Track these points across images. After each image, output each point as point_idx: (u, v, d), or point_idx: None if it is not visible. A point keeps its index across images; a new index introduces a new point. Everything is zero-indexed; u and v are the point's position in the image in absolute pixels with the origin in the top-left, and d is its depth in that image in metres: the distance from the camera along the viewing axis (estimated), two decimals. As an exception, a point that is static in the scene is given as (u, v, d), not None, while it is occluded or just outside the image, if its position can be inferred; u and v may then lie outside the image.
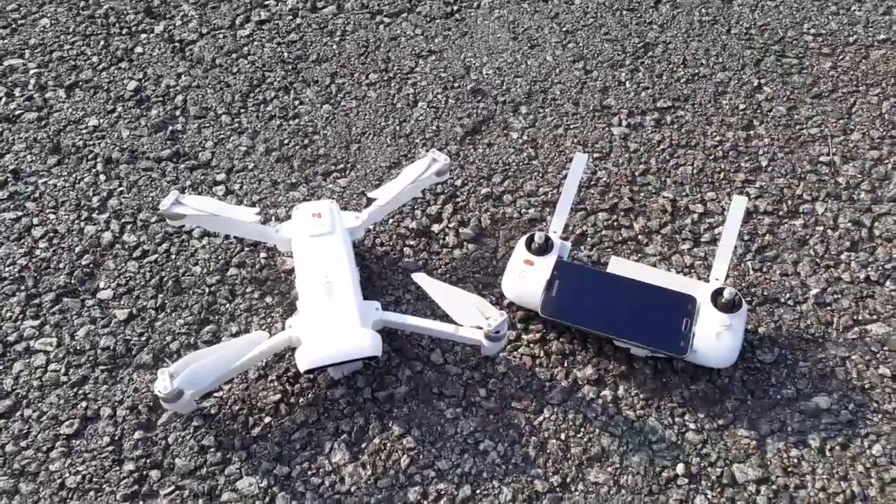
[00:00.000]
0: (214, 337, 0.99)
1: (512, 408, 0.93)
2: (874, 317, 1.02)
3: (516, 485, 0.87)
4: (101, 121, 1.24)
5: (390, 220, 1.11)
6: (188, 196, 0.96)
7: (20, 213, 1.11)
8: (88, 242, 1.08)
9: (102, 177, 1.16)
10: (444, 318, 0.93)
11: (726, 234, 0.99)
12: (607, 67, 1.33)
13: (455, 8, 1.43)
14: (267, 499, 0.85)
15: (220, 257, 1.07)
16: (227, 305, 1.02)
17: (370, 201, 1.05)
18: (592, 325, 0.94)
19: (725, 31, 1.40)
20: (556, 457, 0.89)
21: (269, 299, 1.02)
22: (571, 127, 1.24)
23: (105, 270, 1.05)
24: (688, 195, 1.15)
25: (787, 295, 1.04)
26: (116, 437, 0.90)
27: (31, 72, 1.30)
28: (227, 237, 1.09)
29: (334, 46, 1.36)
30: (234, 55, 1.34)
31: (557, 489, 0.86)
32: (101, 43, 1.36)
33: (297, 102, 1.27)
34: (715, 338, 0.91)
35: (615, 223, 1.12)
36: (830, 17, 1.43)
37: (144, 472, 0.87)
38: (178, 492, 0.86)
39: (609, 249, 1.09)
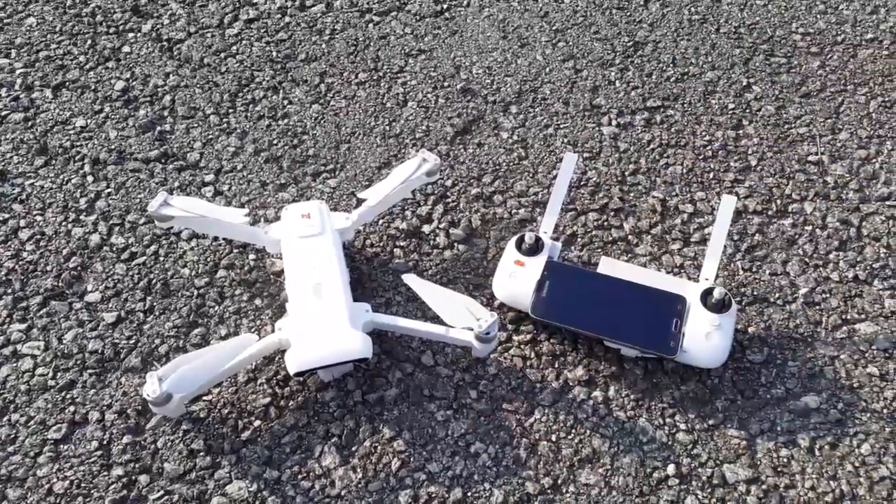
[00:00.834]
0: (203, 340, 0.98)
1: (503, 409, 0.93)
2: (862, 316, 1.02)
3: (507, 487, 0.87)
4: (89, 121, 1.22)
5: (380, 221, 1.11)
6: (176, 197, 0.95)
7: (7, 216, 1.10)
8: (76, 245, 1.07)
9: (90, 178, 1.15)
10: (435, 319, 0.93)
11: (716, 233, 0.99)
12: (597, 67, 1.33)
13: (444, 6, 1.43)
14: (257, 503, 0.85)
15: (208, 259, 1.06)
16: (216, 308, 1.01)
17: (360, 202, 1.04)
18: (583, 325, 0.94)
19: (715, 30, 1.40)
20: (548, 458, 0.89)
21: (258, 301, 1.02)
22: (561, 126, 1.24)
23: (93, 273, 1.04)
24: (677, 195, 1.15)
25: (777, 294, 1.04)
26: (105, 442, 0.89)
27: (18, 72, 1.29)
28: (215, 239, 1.08)
29: (323, 45, 1.36)
30: (222, 54, 1.33)
31: (549, 491, 0.86)
32: (88, 42, 1.34)
33: (286, 102, 1.26)
34: (705, 338, 0.92)
35: (605, 223, 1.12)
36: (818, 16, 1.43)
37: (133, 477, 0.87)
38: (167, 497, 0.85)
39: (599, 250, 1.09)
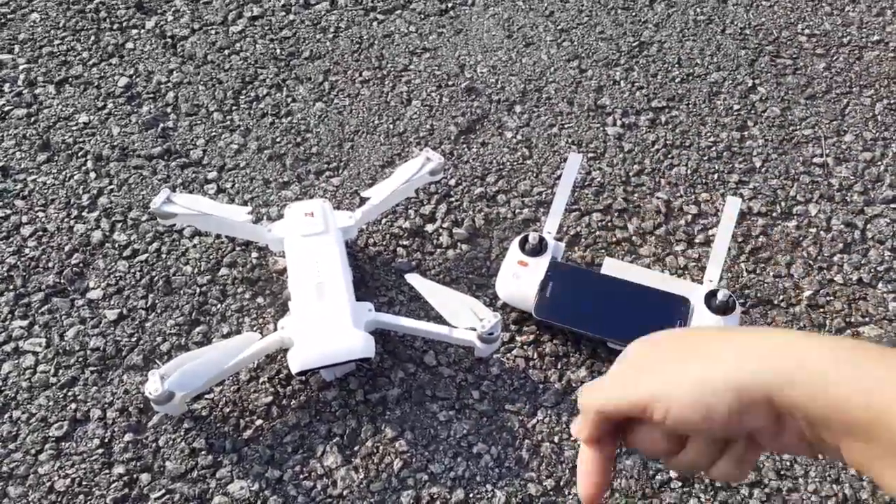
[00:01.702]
0: (205, 338, 0.98)
1: (505, 410, 0.92)
2: (866, 319, 1.02)
3: (510, 488, 0.86)
4: (92, 117, 1.22)
5: (383, 220, 1.10)
6: (179, 194, 0.95)
7: (9, 212, 1.10)
8: (78, 241, 1.07)
9: (92, 175, 1.15)
10: (438, 319, 0.93)
11: (720, 235, 0.99)
12: (602, 66, 1.33)
13: (449, 5, 1.42)
14: (259, 502, 0.85)
15: (211, 257, 1.06)
16: (219, 306, 1.01)
17: (363, 200, 1.04)
18: (586, 326, 0.94)
19: (720, 31, 1.40)
20: (550, 460, 0.89)
21: (260, 300, 1.02)
22: (566, 126, 1.24)
23: (95, 270, 1.04)
24: (682, 196, 1.15)
25: (781, 297, 1.04)
26: (106, 440, 0.89)
27: (21, 67, 1.29)
28: (218, 236, 1.08)
29: (327, 43, 1.35)
30: (226, 51, 1.33)
31: (551, 492, 0.86)
32: (92, 38, 1.34)
33: (289, 100, 1.26)
34: (709, 340, 0.91)
35: (609, 224, 1.12)
36: (824, 17, 1.42)
37: (134, 476, 0.86)
38: (168, 495, 0.85)
39: (603, 250, 1.08)
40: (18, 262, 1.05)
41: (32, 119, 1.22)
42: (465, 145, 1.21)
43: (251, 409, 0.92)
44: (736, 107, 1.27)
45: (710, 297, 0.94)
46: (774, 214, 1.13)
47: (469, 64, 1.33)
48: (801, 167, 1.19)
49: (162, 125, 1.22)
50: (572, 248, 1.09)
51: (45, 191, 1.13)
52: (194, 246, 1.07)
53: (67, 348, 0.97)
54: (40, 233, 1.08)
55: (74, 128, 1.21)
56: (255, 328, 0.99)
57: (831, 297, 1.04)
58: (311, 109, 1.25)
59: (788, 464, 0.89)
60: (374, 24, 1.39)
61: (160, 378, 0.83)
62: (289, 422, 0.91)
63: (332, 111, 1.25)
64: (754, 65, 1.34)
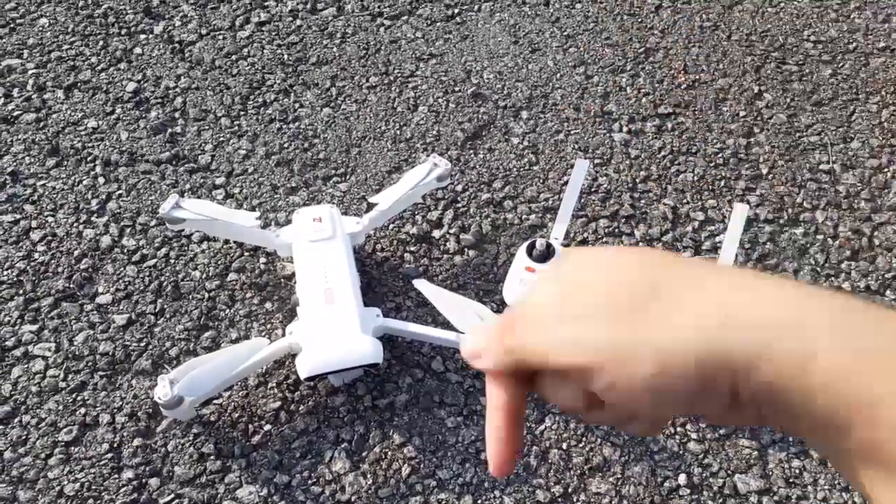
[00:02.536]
0: (214, 343, 0.98)
1: (513, 416, 0.92)
2: (874, 326, 1.02)
3: (518, 495, 0.86)
4: (100, 122, 1.23)
5: (391, 226, 1.11)
6: (188, 200, 0.96)
7: (18, 216, 1.11)
8: (87, 246, 1.07)
9: (101, 179, 1.15)
10: (446, 325, 0.93)
11: (727, 242, 0.99)
12: (608, 73, 1.33)
13: (456, 11, 1.43)
14: (267, 507, 0.85)
15: (219, 262, 1.06)
16: (227, 311, 1.01)
17: (371, 206, 1.04)
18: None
19: (726, 38, 1.40)
20: (558, 466, 0.89)
21: (268, 305, 1.02)
22: (572, 132, 1.24)
23: (104, 275, 1.05)
24: (689, 202, 1.15)
25: (788, 304, 1.04)
26: (115, 445, 0.89)
27: (30, 72, 1.29)
28: (226, 242, 1.08)
29: (334, 49, 1.36)
30: (233, 57, 1.34)
31: (559, 499, 0.86)
32: (100, 43, 1.35)
33: (297, 105, 1.26)
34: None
35: (616, 230, 1.12)
36: (830, 24, 1.43)
37: (143, 480, 0.87)
38: (177, 500, 0.85)
39: (610, 256, 1.08)
40: (28, 267, 1.05)
41: (41, 124, 1.22)
42: (471, 151, 1.21)
43: (260, 414, 0.92)
44: (742, 113, 1.28)
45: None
46: (781, 221, 1.13)
47: (475, 70, 1.33)
48: (807, 174, 1.19)
49: (170, 130, 1.22)
50: (579, 254, 1.09)
51: (55, 195, 1.13)
52: (203, 251, 1.07)
53: (77, 353, 0.97)
54: (49, 237, 1.08)
55: (83, 133, 1.21)
56: (263, 333, 0.99)
57: (838, 304, 1.04)
58: (319, 115, 1.25)
59: (797, 471, 0.89)
60: (381, 29, 1.39)
61: (169, 383, 0.83)
62: (297, 427, 0.91)
63: (340, 117, 1.25)
64: (760, 71, 1.34)
